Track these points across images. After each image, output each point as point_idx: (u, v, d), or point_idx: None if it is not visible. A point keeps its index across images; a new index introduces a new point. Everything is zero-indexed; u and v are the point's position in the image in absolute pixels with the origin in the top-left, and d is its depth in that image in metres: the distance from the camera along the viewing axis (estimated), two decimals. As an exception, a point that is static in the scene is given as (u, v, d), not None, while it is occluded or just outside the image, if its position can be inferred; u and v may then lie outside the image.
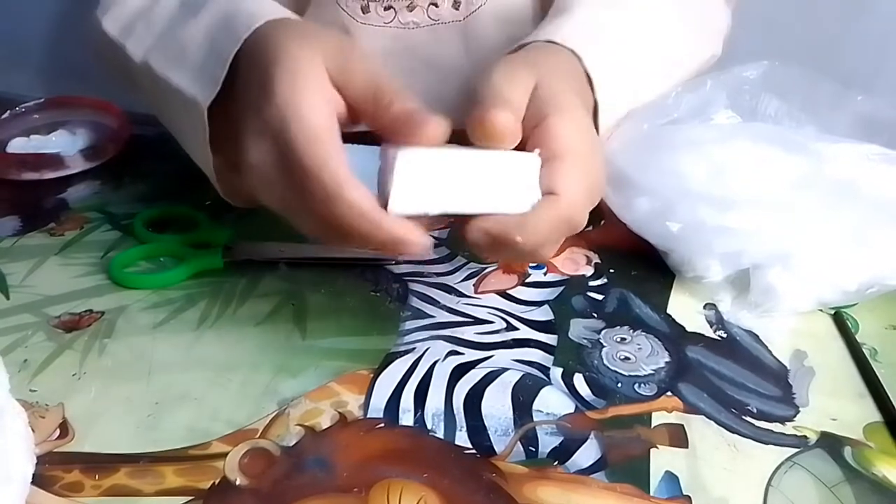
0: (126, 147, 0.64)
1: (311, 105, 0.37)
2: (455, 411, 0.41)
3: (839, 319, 0.48)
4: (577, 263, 0.52)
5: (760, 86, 0.55)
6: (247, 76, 0.41)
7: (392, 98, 0.37)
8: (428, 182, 0.36)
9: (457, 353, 0.44)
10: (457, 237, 0.52)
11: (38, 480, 0.36)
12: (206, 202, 0.55)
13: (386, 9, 0.61)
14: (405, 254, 0.37)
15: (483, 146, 0.38)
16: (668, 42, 0.55)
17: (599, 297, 0.49)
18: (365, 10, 0.61)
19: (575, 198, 0.38)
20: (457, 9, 0.61)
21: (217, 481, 0.37)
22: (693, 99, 0.53)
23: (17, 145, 0.64)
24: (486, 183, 0.37)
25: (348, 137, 0.38)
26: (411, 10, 0.61)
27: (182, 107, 0.44)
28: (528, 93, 0.40)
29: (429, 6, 0.61)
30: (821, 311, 0.49)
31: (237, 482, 0.37)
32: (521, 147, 0.39)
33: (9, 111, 0.67)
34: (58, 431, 0.39)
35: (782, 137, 0.48)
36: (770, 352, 0.46)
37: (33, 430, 0.38)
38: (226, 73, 0.42)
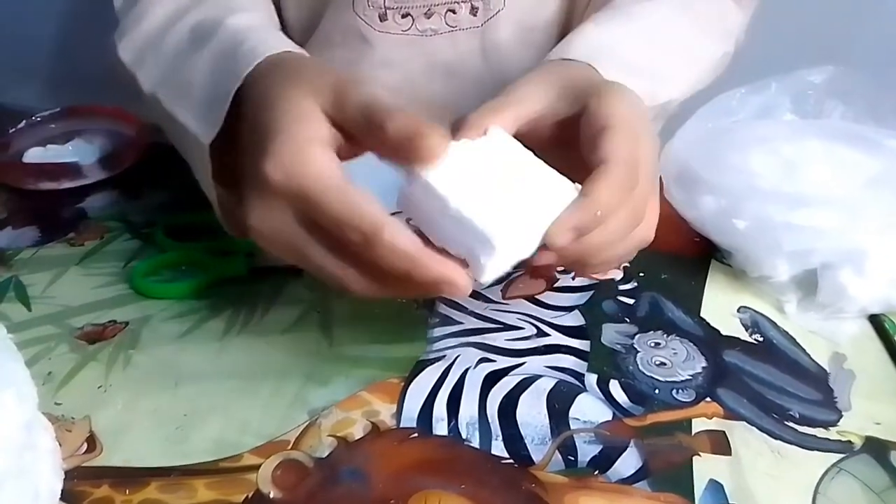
0: (144, 155, 0.63)
1: (319, 162, 0.35)
2: (490, 420, 0.40)
3: (876, 321, 0.46)
4: (606, 267, 0.51)
5: (824, 90, 0.54)
6: (247, 121, 0.39)
7: (383, 117, 0.35)
8: (510, 253, 0.35)
9: (488, 360, 0.44)
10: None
11: (67, 496, 0.36)
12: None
13: (403, 16, 0.60)
14: (448, 294, 0.35)
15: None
16: (678, 45, 0.54)
17: (630, 301, 0.48)
18: (382, 17, 0.60)
19: (624, 158, 0.36)
20: (474, 15, 0.61)
21: (250, 495, 0.36)
22: (757, 101, 0.53)
23: (34, 155, 0.63)
24: (539, 219, 0.35)
25: None
26: (429, 17, 0.60)
27: (190, 141, 0.44)
28: (545, 98, 0.40)
29: (446, 13, 0.60)
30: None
31: (271, 495, 0.36)
32: (572, 138, 0.39)
33: (25, 121, 0.67)
34: (85, 445, 0.38)
35: (855, 135, 0.47)
36: (808, 355, 0.45)
37: (60, 445, 0.38)
38: (233, 110, 0.41)
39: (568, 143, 0.39)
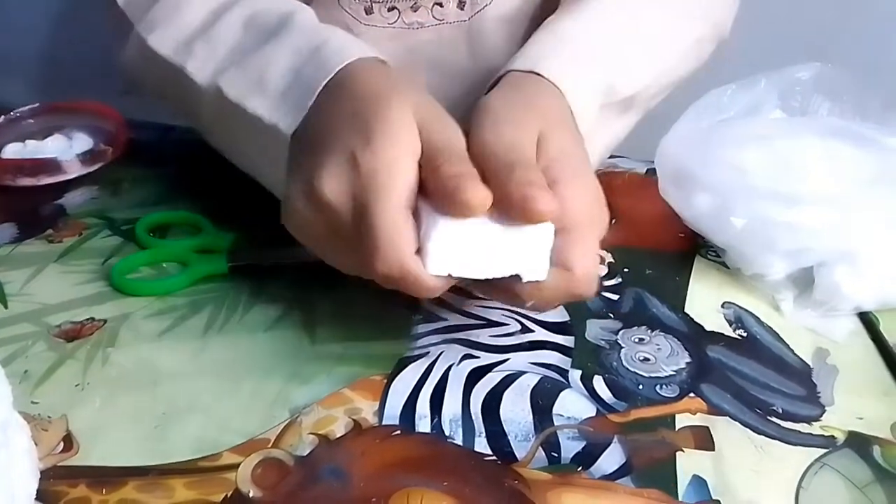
0: (124, 151, 0.62)
1: (401, 180, 0.37)
2: (473, 416, 0.39)
3: (865, 317, 0.46)
4: (591, 263, 0.51)
5: (812, 87, 0.54)
6: (336, 108, 0.41)
7: (442, 161, 0.37)
8: (458, 250, 0.36)
9: (472, 356, 0.43)
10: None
11: (43, 496, 0.35)
12: (208, 206, 0.54)
13: (389, 9, 0.60)
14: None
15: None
16: (642, 33, 0.53)
17: (615, 296, 0.48)
18: (368, 11, 0.60)
19: (587, 271, 0.38)
20: (462, 9, 0.61)
21: (229, 494, 0.35)
22: (747, 97, 0.53)
23: (13, 151, 0.62)
24: (506, 250, 0.37)
25: None
26: (415, 11, 0.60)
27: (257, 132, 0.44)
28: (534, 148, 0.39)
29: (433, 6, 0.60)
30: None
31: (250, 494, 0.35)
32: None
33: (3, 116, 0.66)
34: (62, 445, 0.38)
35: (851, 133, 0.47)
36: (792, 350, 0.45)
37: (36, 444, 0.37)
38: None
39: None
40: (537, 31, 0.51)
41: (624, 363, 0.43)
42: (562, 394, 0.41)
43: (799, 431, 0.39)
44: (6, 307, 0.47)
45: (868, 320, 0.46)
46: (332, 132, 0.39)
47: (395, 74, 0.42)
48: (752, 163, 0.48)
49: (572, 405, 0.40)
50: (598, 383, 0.42)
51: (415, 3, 0.59)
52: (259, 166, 0.47)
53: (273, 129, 0.43)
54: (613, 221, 0.53)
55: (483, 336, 0.45)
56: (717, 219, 0.47)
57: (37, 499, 0.35)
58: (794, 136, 0.49)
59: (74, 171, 0.59)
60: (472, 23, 0.61)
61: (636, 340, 0.45)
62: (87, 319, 0.46)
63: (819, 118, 0.52)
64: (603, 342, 0.45)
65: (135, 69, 0.53)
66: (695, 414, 0.40)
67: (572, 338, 0.45)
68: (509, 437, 0.38)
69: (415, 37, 0.61)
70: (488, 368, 0.42)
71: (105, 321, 0.45)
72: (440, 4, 0.60)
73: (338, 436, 0.38)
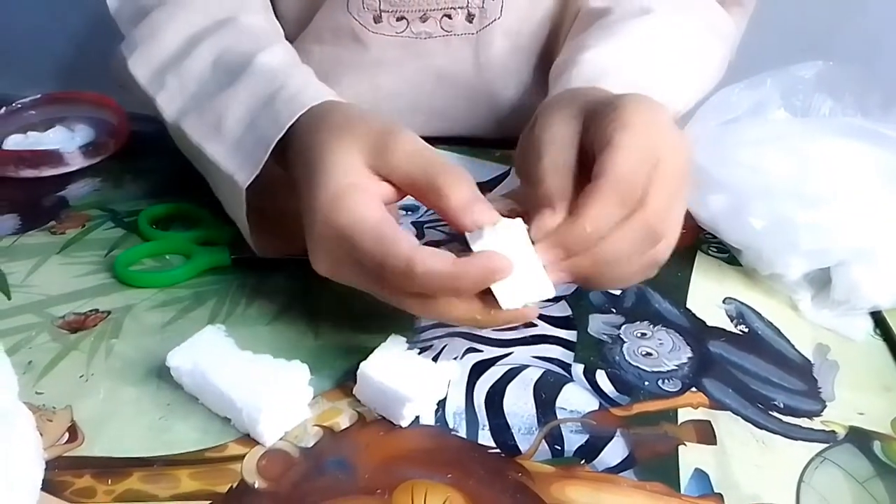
0: (126, 143, 0.62)
1: (352, 209, 0.37)
2: (477, 409, 0.40)
3: (876, 315, 0.47)
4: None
5: (814, 85, 0.54)
6: (294, 168, 0.42)
7: (446, 187, 0.37)
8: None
9: (475, 350, 0.43)
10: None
11: (48, 486, 0.35)
12: (211, 198, 0.54)
13: (398, 19, 0.60)
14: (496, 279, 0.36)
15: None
16: (678, 57, 0.53)
17: (617, 291, 0.48)
18: (377, 19, 0.60)
19: (622, 174, 0.36)
20: (470, 22, 0.61)
21: (235, 484, 0.35)
22: (752, 97, 0.53)
23: (15, 142, 0.62)
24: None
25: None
26: (424, 21, 0.60)
27: (219, 175, 0.45)
28: (574, 147, 0.39)
29: (442, 18, 0.60)
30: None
31: (255, 485, 0.35)
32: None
33: (4, 108, 0.65)
34: (67, 435, 0.38)
35: (870, 131, 0.47)
36: (793, 346, 0.45)
37: (41, 434, 0.37)
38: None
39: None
40: (577, 55, 0.50)
41: (626, 357, 0.43)
42: (565, 387, 0.41)
43: (800, 426, 0.40)
44: (9, 298, 0.47)
45: (880, 318, 0.47)
46: (300, 200, 0.40)
47: (341, 121, 0.41)
48: (769, 163, 0.48)
49: (575, 399, 0.40)
50: (601, 377, 0.42)
51: (424, 14, 0.60)
52: (226, 204, 0.47)
53: (230, 177, 0.43)
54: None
55: (486, 330, 0.45)
56: (734, 219, 0.47)
57: (42, 489, 0.35)
58: (810, 136, 0.49)
59: (76, 162, 0.59)
60: (479, 36, 0.61)
61: (638, 335, 0.45)
62: (91, 311, 0.46)
63: (833, 118, 0.52)
64: (605, 337, 0.45)
65: (124, 77, 0.53)
66: (697, 408, 0.40)
67: (575, 332, 0.45)
68: (513, 431, 0.39)
69: (423, 47, 0.61)
70: (492, 362, 0.43)
71: (109, 312, 0.45)
72: (449, 16, 0.60)
73: (342, 428, 0.38)
